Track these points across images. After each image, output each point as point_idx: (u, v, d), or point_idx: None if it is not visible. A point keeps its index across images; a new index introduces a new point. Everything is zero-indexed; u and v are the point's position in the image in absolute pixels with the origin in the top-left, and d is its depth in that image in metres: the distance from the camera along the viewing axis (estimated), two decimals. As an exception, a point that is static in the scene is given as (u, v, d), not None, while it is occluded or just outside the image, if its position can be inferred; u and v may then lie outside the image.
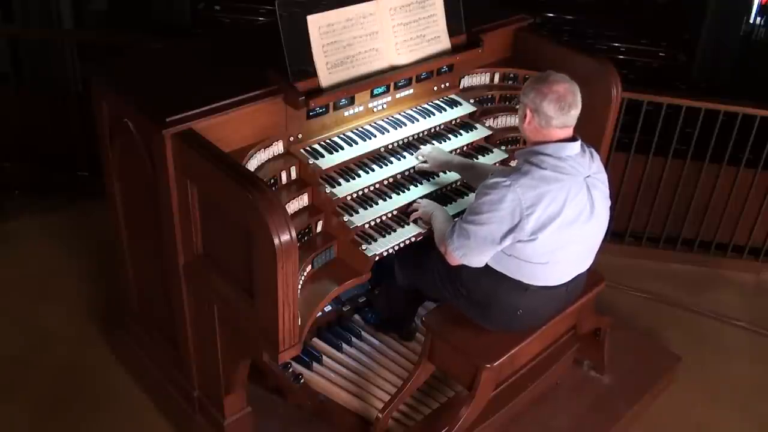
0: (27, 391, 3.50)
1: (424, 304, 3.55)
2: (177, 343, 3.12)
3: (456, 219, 2.82)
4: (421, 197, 3.07)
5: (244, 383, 3.03)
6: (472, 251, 2.72)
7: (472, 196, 3.17)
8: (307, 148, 2.97)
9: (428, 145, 3.20)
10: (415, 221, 3.00)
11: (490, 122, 3.48)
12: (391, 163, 3.10)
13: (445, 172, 3.19)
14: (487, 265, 2.78)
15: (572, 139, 2.72)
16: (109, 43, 4.89)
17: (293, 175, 2.93)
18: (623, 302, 4.24)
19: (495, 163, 3.31)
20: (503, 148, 3.45)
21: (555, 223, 2.64)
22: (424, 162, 3.14)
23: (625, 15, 6.87)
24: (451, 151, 3.24)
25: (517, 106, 2.79)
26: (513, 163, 2.97)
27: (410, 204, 3.05)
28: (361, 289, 3.64)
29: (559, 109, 2.63)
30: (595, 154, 2.81)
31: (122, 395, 3.48)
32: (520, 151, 2.77)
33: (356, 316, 3.68)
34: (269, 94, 2.80)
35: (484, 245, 2.69)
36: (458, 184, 3.23)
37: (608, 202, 2.84)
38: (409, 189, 3.09)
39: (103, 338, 3.75)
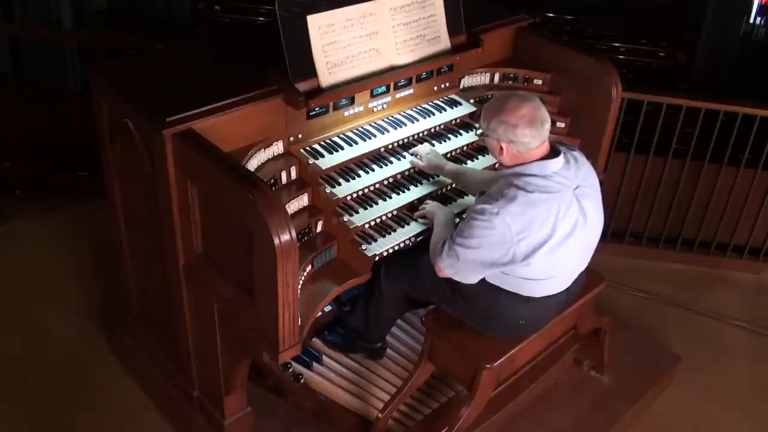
0: (27, 391, 3.50)
1: (404, 316, 3.52)
2: (177, 343, 3.12)
3: (446, 238, 2.71)
4: (421, 197, 3.07)
5: (244, 383, 3.03)
6: (462, 270, 2.68)
7: (471, 198, 3.17)
8: (307, 148, 2.97)
9: (426, 145, 3.17)
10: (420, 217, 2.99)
11: (490, 122, 3.47)
12: (391, 163, 3.10)
13: (438, 176, 3.18)
14: (484, 280, 2.74)
15: (553, 153, 2.63)
16: (109, 43, 4.88)
17: (293, 175, 2.93)
18: (623, 302, 4.23)
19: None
20: (503, 148, 3.45)
21: (548, 245, 2.59)
22: (418, 158, 3.08)
23: (625, 15, 6.87)
24: (450, 151, 3.24)
25: (480, 136, 2.72)
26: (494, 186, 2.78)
27: (413, 204, 3.04)
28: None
29: (534, 130, 2.55)
30: (580, 158, 2.71)
31: (122, 395, 3.48)
32: (502, 174, 2.67)
33: (315, 339, 3.50)
34: (269, 94, 2.80)
35: (474, 267, 2.65)
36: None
37: (600, 205, 2.76)
38: (409, 189, 3.09)
39: (103, 338, 3.75)
